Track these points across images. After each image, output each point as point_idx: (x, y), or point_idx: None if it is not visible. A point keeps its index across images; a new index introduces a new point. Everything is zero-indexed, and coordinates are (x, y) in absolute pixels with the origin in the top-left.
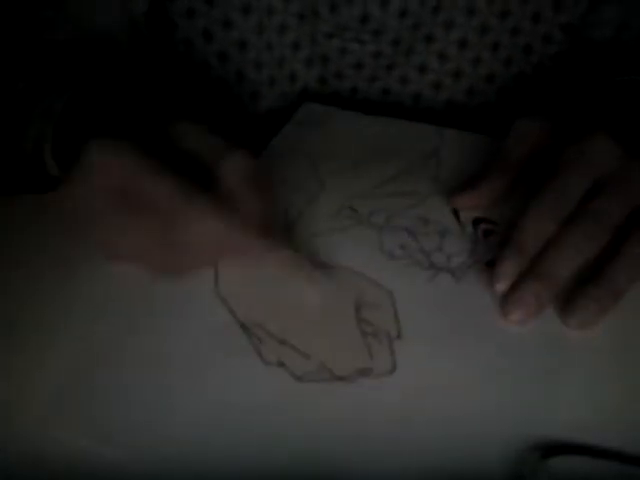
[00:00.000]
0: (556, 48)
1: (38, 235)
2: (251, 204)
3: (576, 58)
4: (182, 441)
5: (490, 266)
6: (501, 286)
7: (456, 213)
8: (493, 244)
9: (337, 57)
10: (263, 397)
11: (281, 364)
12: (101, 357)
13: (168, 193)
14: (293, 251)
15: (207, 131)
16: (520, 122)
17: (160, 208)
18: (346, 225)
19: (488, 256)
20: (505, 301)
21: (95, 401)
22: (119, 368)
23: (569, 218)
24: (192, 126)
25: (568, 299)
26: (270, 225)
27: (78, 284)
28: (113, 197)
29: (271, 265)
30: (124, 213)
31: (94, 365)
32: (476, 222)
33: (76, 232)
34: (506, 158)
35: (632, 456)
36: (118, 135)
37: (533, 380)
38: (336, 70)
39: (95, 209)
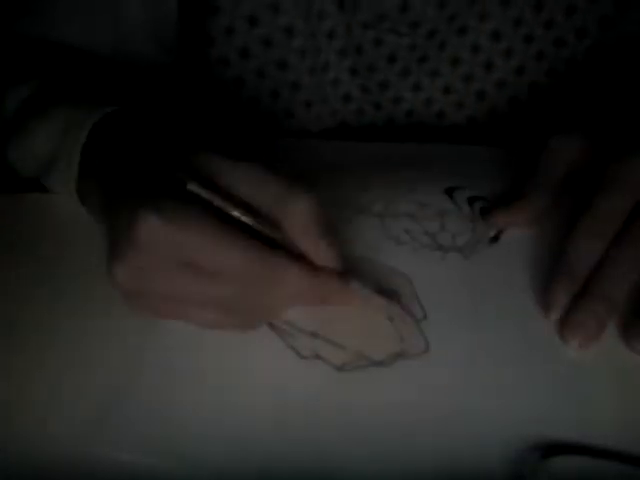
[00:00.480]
0: (590, 42)
1: (38, 235)
2: (325, 251)
3: (610, 55)
4: (237, 439)
5: (494, 242)
6: (556, 315)
7: (450, 193)
8: (492, 221)
9: (371, 49)
10: (308, 390)
11: (317, 357)
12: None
13: (242, 259)
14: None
15: (265, 172)
16: (558, 138)
17: (236, 274)
18: (347, 215)
19: (490, 232)
20: (563, 325)
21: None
22: (164, 382)
23: (616, 238)
24: (248, 167)
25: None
26: (341, 264)
27: (81, 285)
28: (176, 269)
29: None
30: (194, 284)
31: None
32: (471, 201)
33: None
34: (547, 174)
35: (632, 456)
36: (153, 190)
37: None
38: (369, 62)
39: (158, 286)
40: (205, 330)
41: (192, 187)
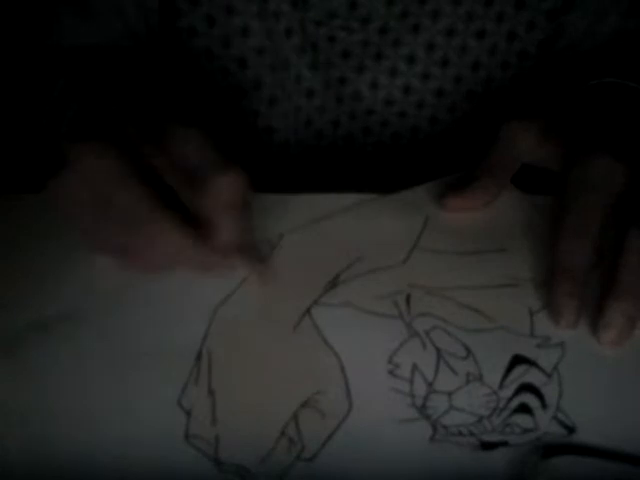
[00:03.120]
0: (540, 35)
1: (38, 235)
2: (227, 230)
3: (558, 52)
4: None
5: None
6: (567, 322)
7: None
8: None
9: (326, 45)
10: None
11: None
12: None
13: (133, 203)
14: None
15: (208, 143)
16: (510, 123)
17: (126, 215)
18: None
19: None
20: (595, 327)
21: None
22: None
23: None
24: (196, 134)
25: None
26: (243, 249)
27: (80, 283)
28: (90, 197)
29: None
30: (97, 213)
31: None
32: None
33: (65, 228)
34: (500, 158)
35: (632, 456)
36: (108, 137)
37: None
38: (326, 58)
39: (75, 207)
40: None
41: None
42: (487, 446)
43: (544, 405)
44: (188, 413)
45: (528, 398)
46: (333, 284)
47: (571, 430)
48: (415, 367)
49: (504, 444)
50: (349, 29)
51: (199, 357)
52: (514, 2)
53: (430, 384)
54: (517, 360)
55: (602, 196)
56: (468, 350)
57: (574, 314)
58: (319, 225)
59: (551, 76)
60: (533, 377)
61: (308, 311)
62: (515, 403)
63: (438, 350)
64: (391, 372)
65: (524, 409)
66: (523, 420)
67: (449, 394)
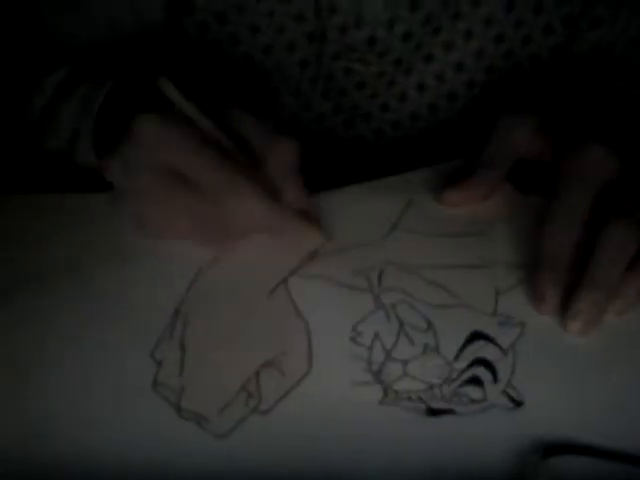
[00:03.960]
0: (555, 41)
1: (38, 235)
2: (295, 188)
3: (572, 57)
4: None
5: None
6: (548, 309)
7: None
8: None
9: (342, 77)
10: None
11: None
12: None
13: (214, 171)
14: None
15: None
16: (508, 117)
17: (205, 185)
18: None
19: None
20: (565, 314)
21: None
22: None
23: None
24: (244, 113)
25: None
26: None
27: (83, 285)
28: (160, 170)
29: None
30: (170, 187)
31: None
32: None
33: (122, 206)
34: (497, 151)
35: (632, 456)
36: (166, 111)
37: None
38: (340, 88)
39: (142, 182)
40: None
41: (172, 95)
42: (433, 412)
43: (495, 379)
44: (159, 364)
45: (481, 372)
46: (312, 257)
47: (518, 404)
48: (376, 336)
49: (450, 412)
50: (365, 62)
51: (176, 314)
52: (533, 7)
53: (388, 352)
54: (476, 336)
55: (592, 185)
56: (430, 323)
57: (554, 300)
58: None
59: (562, 81)
60: (489, 352)
61: (285, 280)
62: (467, 375)
63: (401, 322)
64: (353, 339)
65: (475, 381)
66: (473, 391)
67: (405, 362)
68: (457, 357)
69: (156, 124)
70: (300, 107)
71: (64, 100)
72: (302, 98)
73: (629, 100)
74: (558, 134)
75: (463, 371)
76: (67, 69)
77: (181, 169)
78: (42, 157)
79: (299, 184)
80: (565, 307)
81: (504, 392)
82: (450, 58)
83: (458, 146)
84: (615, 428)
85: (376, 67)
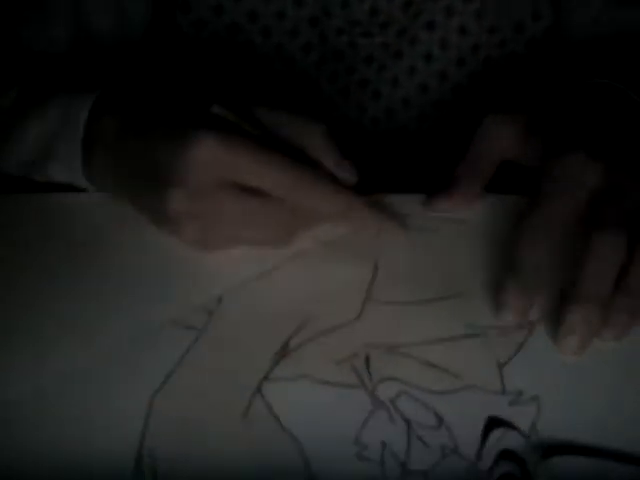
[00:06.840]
0: (546, 23)
1: (38, 235)
2: (346, 166)
3: (557, 49)
4: None
5: None
6: (507, 315)
7: None
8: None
9: (349, 53)
10: None
11: None
12: None
13: (284, 172)
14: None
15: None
16: (490, 119)
17: (283, 191)
18: None
19: None
20: (557, 333)
21: None
22: None
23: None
24: (273, 109)
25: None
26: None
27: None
28: (229, 187)
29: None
30: (244, 202)
31: None
32: None
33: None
34: (480, 156)
35: (632, 456)
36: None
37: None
38: (348, 66)
39: (213, 204)
40: None
41: (222, 112)
42: None
43: (526, 472)
44: None
45: (510, 467)
46: (283, 353)
47: None
48: (384, 445)
49: None
50: (369, 34)
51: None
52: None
53: (403, 464)
54: (492, 423)
55: (573, 194)
56: (439, 417)
57: (520, 311)
58: (262, 280)
59: (554, 70)
60: (511, 441)
61: (258, 390)
62: (497, 473)
63: (407, 422)
64: (358, 455)
65: (507, 478)
66: None
67: (425, 473)
68: (479, 455)
69: (214, 143)
70: (305, 93)
71: (23, 117)
72: (307, 83)
73: (622, 101)
74: (543, 139)
75: (491, 468)
76: (15, 92)
77: (250, 182)
78: None
79: (345, 162)
80: (551, 323)
81: None
82: (452, 23)
83: (468, 113)
84: (615, 428)
85: (380, 38)
